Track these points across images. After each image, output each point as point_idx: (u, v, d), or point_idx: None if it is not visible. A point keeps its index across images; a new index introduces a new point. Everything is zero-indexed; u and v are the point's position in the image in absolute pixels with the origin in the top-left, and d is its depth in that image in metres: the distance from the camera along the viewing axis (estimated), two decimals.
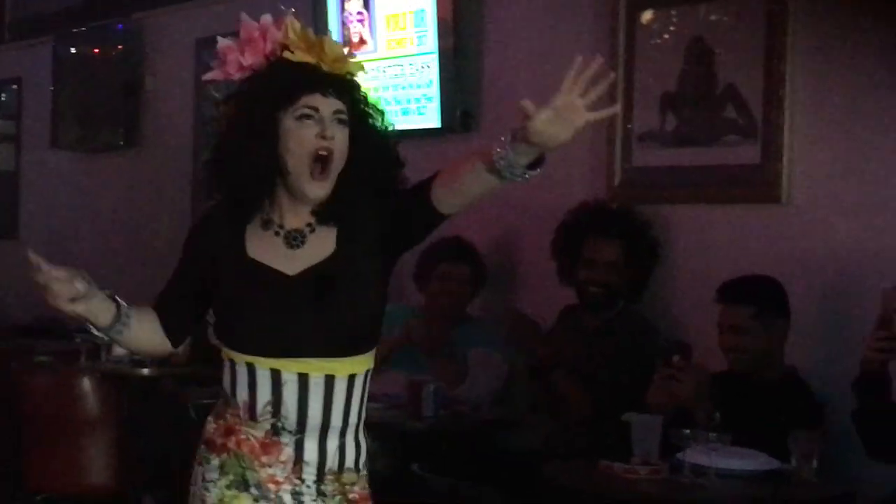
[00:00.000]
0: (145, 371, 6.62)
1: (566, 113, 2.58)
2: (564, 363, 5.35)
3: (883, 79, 4.83)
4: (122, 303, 2.93)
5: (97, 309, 2.86)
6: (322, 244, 2.87)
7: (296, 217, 2.89)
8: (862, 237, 4.87)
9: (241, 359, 2.83)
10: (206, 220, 3.03)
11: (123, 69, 8.97)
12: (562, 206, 5.60)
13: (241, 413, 2.86)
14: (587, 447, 4.72)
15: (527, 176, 2.66)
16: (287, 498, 2.84)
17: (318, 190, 2.83)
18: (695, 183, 5.46)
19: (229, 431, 2.89)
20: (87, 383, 6.07)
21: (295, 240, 2.87)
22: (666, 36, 5.58)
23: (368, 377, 2.90)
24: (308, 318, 2.78)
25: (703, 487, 4.09)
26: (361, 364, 2.87)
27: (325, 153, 2.80)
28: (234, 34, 3.06)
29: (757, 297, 4.73)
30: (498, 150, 2.63)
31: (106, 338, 2.95)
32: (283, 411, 2.81)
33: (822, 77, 5.03)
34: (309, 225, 2.88)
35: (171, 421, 6.36)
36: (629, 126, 5.70)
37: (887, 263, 4.76)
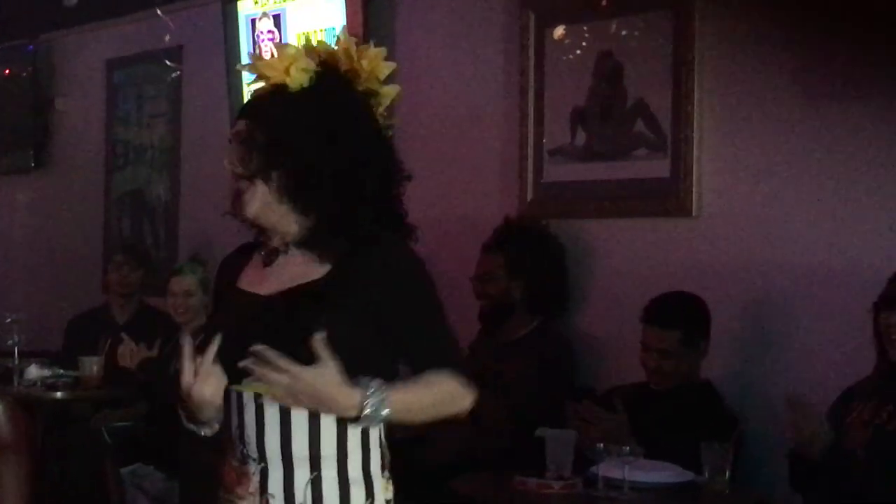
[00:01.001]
0: (58, 394, 6.55)
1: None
2: (480, 379, 5.34)
3: (789, 92, 4.88)
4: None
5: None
6: (301, 269, 2.77)
7: (277, 239, 2.83)
8: (771, 248, 4.91)
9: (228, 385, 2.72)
10: (226, 259, 3.02)
11: (33, 90, 8.90)
12: (475, 223, 5.62)
13: (229, 439, 2.76)
14: (501, 460, 4.72)
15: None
16: None
17: (240, 213, 2.80)
18: (606, 197, 5.49)
19: (221, 463, 2.79)
20: None
21: (268, 257, 2.83)
22: (578, 52, 5.60)
23: None
24: (271, 338, 2.59)
25: (617, 501, 4.10)
26: None
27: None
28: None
29: (683, 320, 4.77)
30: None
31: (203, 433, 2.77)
32: (245, 436, 2.70)
33: (729, 91, 5.07)
34: (285, 244, 2.81)
35: (86, 444, 6.31)
36: (540, 142, 5.72)
37: (796, 274, 4.81)
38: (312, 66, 2.81)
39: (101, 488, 5.94)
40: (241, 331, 2.65)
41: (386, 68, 2.86)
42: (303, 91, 2.80)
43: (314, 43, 2.91)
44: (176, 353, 6.44)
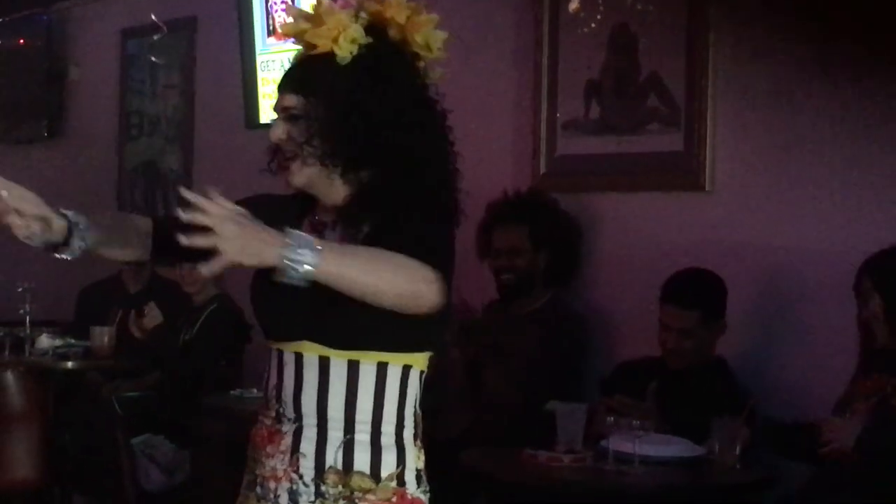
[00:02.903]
0: (69, 364, 6.57)
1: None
2: (493, 353, 5.35)
3: (804, 66, 4.86)
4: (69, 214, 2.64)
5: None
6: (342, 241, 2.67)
7: (325, 213, 2.75)
8: (784, 223, 4.90)
9: (268, 343, 2.73)
10: (269, 197, 2.88)
11: (48, 60, 8.90)
12: (488, 197, 5.60)
13: (264, 399, 2.74)
14: (512, 435, 4.73)
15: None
16: (284, 499, 2.64)
17: (287, 181, 2.73)
18: (619, 171, 5.48)
19: (253, 420, 2.76)
20: (9, 377, 6.02)
21: (315, 228, 2.72)
22: (592, 25, 5.59)
23: (399, 377, 2.66)
24: (306, 300, 2.51)
25: (627, 475, 4.10)
26: (372, 357, 2.63)
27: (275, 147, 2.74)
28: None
29: (703, 300, 4.75)
30: None
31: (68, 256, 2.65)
32: (283, 395, 2.66)
33: (743, 65, 5.05)
34: (334, 221, 2.73)
35: (97, 414, 6.33)
36: (554, 115, 5.70)
37: (808, 251, 4.80)
38: (362, 34, 2.68)
39: (113, 458, 5.95)
40: (285, 288, 2.45)
41: (439, 38, 2.75)
42: (357, 62, 2.67)
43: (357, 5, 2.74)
44: (186, 322, 6.50)
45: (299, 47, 2.76)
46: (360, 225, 2.67)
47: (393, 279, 2.45)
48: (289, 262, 2.35)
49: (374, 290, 2.43)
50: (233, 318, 6.19)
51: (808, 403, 4.50)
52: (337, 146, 2.65)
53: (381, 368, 2.61)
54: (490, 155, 5.83)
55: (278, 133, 2.70)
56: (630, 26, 5.43)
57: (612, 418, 4.26)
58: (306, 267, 2.35)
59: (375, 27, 2.71)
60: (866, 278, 4.20)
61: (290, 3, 6.71)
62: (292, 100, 2.70)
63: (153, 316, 6.51)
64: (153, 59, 7.95)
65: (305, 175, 2.69)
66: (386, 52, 2.70)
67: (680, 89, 5.21)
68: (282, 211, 2.75)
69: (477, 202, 5.66)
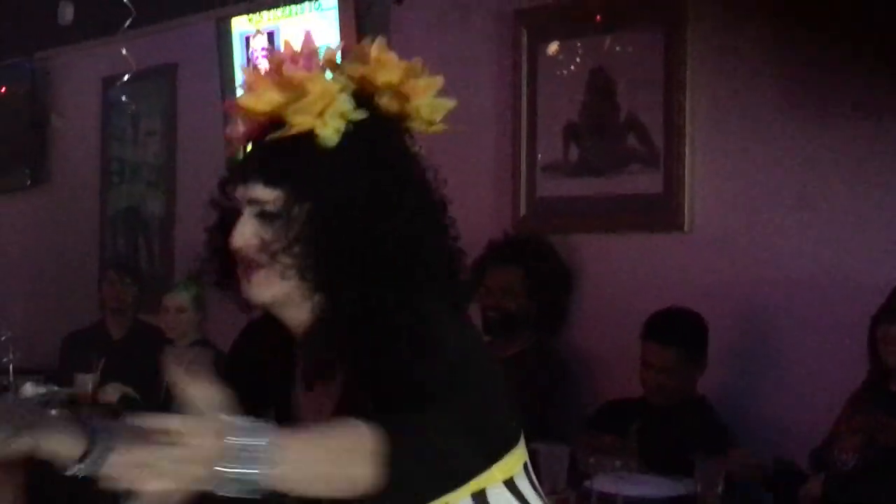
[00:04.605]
0: (53, 412, 6.53)
1: None
2: None
3: (778, 108, 4.91)
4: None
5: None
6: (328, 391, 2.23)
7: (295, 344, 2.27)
8: (763, 262, 4.93)
9: None
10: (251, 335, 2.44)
11: (29, 108, 8.90)
12: (467, 239, 5.60)
13: None
14: None
15: None
16: None
17: (245, 294, 2.22)
18: (600, 212, 5.51)
19: None
20: None
21: (308, 380, 2.25)
22: (571, 67, 5.62)
23: None
24: None
25: None
26: None
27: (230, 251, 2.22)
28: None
29: (683, 337, 4.77)
30: None
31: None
32: None
33: (720, 107, 5.10)
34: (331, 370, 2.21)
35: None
36: (534, 157, 5.74)
37: (788, 288, 4.84)
38: (351, 106, 2.16)
39: (97, 500, 5.94)
40: None
41: (442, 109, 2.29)
42: (345, 144, 2.14)
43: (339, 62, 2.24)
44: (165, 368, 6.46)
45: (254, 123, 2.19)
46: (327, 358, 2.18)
47: (325, 466, 1.90)
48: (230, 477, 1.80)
49: (311, 483, 1.89)
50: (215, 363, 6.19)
51: (789, 440, 4.53)
52: (323, 256, 2.11)
53: None
54: (470, 197, 5.85)
55: (247, 236, 2.16)
56: (608, 69, 5.47)
57: (594, 459, 4.27)
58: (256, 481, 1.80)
59: (364, 96, 2.20)
60: None
61: (269, 48, 6.75)
62: (267, 193, 2.14)
63: (110, 394, 6.47)
64: (133, 106, 7.97)
65: (275, 291, 2.16)
66: (380, 129, 2.20)
67: (658, 130, 5.25)
68: (269, 351, 2.30)
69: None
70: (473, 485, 2.14)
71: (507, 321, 5.46)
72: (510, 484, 2.22)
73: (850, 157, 4.72)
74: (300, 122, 2.11)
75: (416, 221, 2.17)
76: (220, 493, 1.80)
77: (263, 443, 1.79)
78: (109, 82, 8.26)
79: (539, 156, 5.73)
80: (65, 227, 8.66)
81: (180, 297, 6.38)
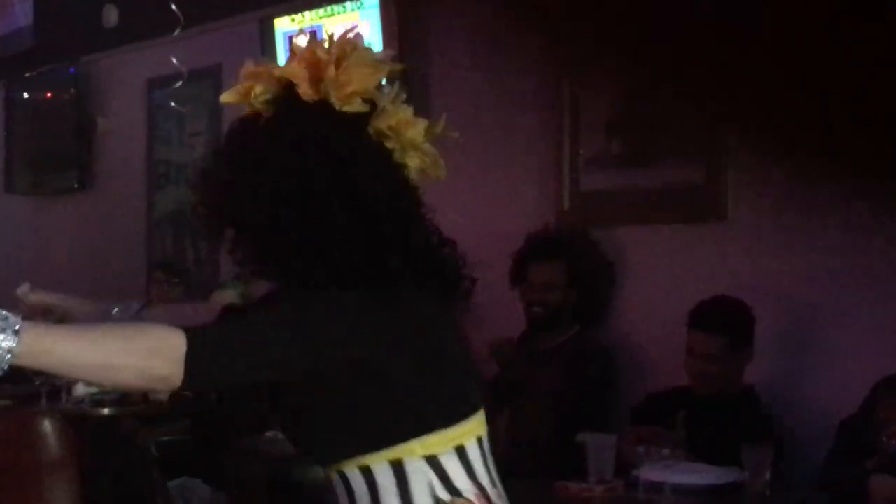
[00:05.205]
0: (105, 411, 6.62)
1: None
2: (521, 389, 5.40)
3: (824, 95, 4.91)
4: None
5: None
6: None
7: None
8: (805, 251, 4.94)
9: None
10: None
11: (75, 112, 8.97)
12: (511, 234, 5.65)
13: None
14: (543, 468, 4.76)
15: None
16: None
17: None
18: (642, 204, 5.52)
19: None
20: (47, 425, 6.05)
21: None
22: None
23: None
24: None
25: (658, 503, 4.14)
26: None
27: None
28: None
29: (729, 326, 4.78)
30: None
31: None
32: None
33: (764, 93, 5.09)
34: None
35: (132, 460, 6.37)
36: (576, 150, 5.75)
37: (832, 276, 4.84)
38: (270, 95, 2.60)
39: (150, 502, 5.99)
40: None
41: (419, 129, 2.52)
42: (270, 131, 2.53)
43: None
44: None
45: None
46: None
47: (103, 355, 2.18)
48: None
49: (91, 372, 2.20)
50: None
51: (835, 427, 4.53)
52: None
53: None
54: (514, 193, 5.89)
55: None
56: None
57: (642, 448, 4.30)
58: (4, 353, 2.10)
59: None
60: None
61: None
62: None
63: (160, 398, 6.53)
64: (178, 107, 8.02)
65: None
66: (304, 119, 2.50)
67: (700, 121, 5.25)
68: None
69: (501, 240, 5.75)
70: (390, 453, 2.42)
71: (551, 315, 5.51)
72: (433, 461, 2.45)
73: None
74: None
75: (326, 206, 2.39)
76: None
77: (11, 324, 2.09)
78: (154, 85, 8.33)
79: (582, 149, 5.75)
80: (112, 230, 8.74)
81: (227, 295, 6.42)
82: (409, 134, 2.48)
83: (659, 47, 5.39)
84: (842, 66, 4.78)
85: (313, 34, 2.60)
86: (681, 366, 4.88)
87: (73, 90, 8.99)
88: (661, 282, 5.40)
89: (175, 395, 6.51)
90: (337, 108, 2.45)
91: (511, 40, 6.08)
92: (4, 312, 2.11)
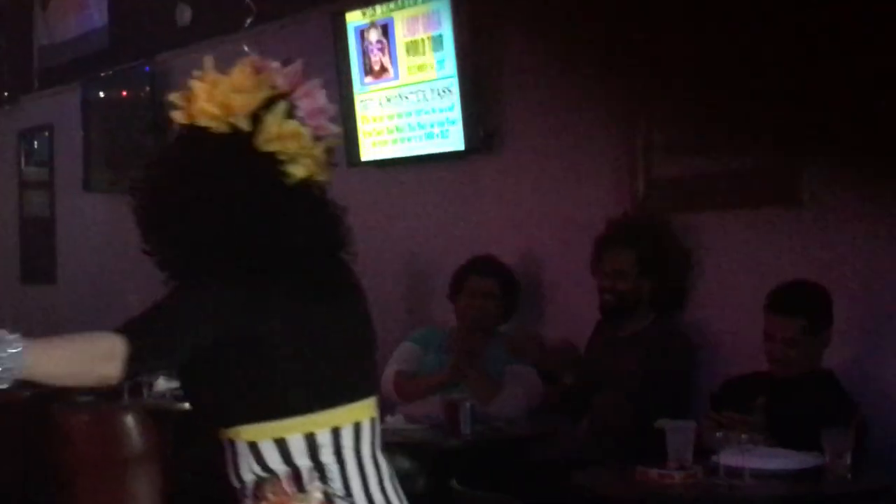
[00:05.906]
0: (187, 405, 6.68)
1: None
2: (600, 377, 5.42)
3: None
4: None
5: None
6: None
7: None
8: (882, 235, 4.90)
9: None
10: None
11: (151, 110, 9.04)
12: (586, 222, 5.66)
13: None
14: (623, 454, 4.77)
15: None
16: None
17: None
18: (717, 190, 5.50)
19: None
20: (130, 420, 6.13)
21: None
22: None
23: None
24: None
25: (739, 489, 4.13)
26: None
27: None
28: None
29: (808, 309, 4.76)
30: None
31: None
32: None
33: None
34: None
35: (215, 454, 6.43)
36: (651, 137, 5.75)
37: None
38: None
39: (231, 496, 6.05)
40: None
41: (304, 140, 3.03)
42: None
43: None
44: None
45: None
46: None
47: (71, 366, 2.63)
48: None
49: (61, 377, 2.65)
50: None
51: None
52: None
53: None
54: (588, 181, 5.89)
55: None
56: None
57: (721, 433, 4.29)
58: (13, 371, 2.48)
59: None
60: None
61: (384, 40, 6.83)
62: None
63: None
64: None
65: None
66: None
67: (776, 104, 5.22)
68: None
69: (576, 229, 5.76)
70: (246, 432, 2.83)
71: (621, 304, 5.52)
72: (281, 443, 2.82)
73: None
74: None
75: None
76: None
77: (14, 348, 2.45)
78: None
79: (656, 135, 5.73)
80: None
81: None
82: (292, 146, 2.92)
83: (733, 30, 5.36)
84: None
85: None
86: (759, 351, 4.86)
87: (148, 88, 9.06)
88: (738, 268, 5.38)
89: None
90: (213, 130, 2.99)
91: (583, 29, 6.07)
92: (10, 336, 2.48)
